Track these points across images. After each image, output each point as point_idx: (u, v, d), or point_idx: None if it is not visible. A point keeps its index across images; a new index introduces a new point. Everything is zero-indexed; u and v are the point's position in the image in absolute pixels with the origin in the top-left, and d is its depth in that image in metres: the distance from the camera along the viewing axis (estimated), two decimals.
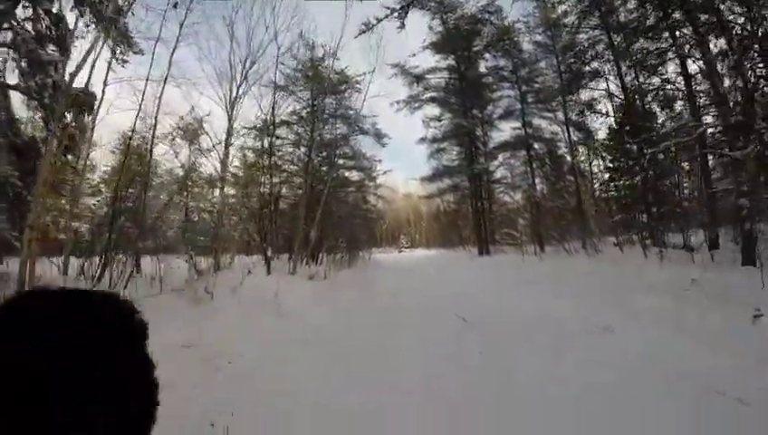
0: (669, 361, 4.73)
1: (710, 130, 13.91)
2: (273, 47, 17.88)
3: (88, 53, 10.21)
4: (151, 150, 14.37)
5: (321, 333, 7.05)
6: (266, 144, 20.13)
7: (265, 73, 17.76)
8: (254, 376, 4.95)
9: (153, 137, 13.98)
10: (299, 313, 8.33)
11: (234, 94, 15.64)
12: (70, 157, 11.56)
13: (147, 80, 13.05)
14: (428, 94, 29.17)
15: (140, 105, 12.99)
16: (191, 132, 17.41)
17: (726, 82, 13.39)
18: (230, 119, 15.30)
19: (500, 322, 7.52)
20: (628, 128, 19.73)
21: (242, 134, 18.47)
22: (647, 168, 16.93)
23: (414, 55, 28.31)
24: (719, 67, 13.79)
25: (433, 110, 29.79)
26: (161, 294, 8.13)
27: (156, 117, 13.46)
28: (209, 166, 18.84)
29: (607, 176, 22.04)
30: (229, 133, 15.26)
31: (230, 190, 18.21)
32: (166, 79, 13.34)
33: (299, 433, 3.68)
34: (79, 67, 9.52)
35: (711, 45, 13.36)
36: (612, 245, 17.53)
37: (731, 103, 12.75)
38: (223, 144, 15.28)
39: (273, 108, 19.28)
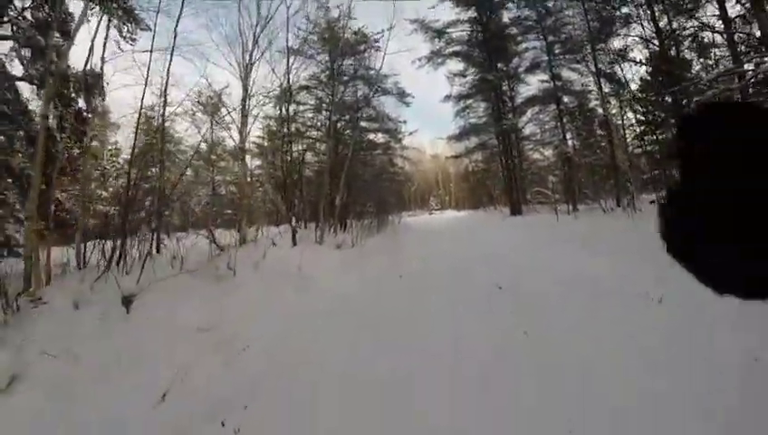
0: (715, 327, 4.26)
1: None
2: (283, 9, 17.23)
3: (94, 35, 9.95)
4: (163, 124, 14.00)
5: (348, 303, 6.86)
6: (285, 111, 20.03)
7: (275, 39, 17.31)
8: (276, 351, 4.79)
9: (165, 110, 13.46)
10: (325, 283, 8.15)
11: (247, 61, 15.19)
12: (87, 141, 11.22)
13: (150, 51, 12.44)
14: (451, 49, 28.07)
15: (147, 79, 12.42)
16: (211, 106, 17.24)
17: None
18: (245, 88, 15.01)
19: (533, 283, 7.24)
20: (661, 78, 19.11)
21: (260, 103, 18.21)
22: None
23: (433, 8, 27.15)
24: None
25: (457, 65, 28.81)
26: (180, 274, 7.90)
27: (165, 90, 12.88)
28: (231, 138, 18.64)
29: (640, 129, 21.80)
30: (245, 102, 14.95)
31: (255, 161, 18.06)
32: (173, 50, 12.75)
33: (325, 403, 3.55)
34: (88, 51, 9.36)
35: None
36: (649, 203, 16.88)
37: None
38: (239, 114, 15.04)
39: (288, 73, 19.00)
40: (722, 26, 14.99)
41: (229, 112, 15.02)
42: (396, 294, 7.47)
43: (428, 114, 56.20)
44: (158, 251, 10.89)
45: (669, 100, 19.08)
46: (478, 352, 4.30)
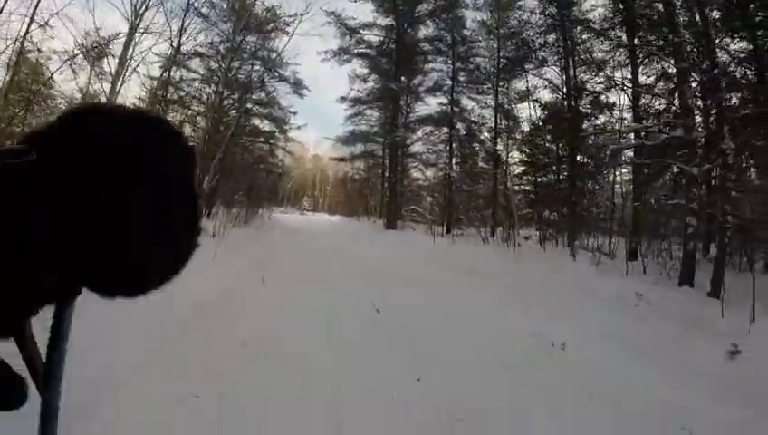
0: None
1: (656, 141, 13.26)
2: None
3: None
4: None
5: (201, 315, 5.34)
6: (167, 73, 17.89)
7: None
8: None
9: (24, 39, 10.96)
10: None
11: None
12: None
13: None
14: (360, 49, 27.01)
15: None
16: (95, 52, 14.76)
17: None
18: (131, 32, 12.80)
19: (416, 310, 6.45)
20: (551, 126, 19.97)
21: (144, 57, 15.95)
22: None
23: (356, 1, 25.82)
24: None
25: (362, 69, 27.73)
26: None
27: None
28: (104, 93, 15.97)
29: (522, 169, 22.58)
30: (127, 50, 12.72)
31: None
32: None
33: None
34: None
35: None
36: (524, 238, 17.07)
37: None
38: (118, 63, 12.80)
39: (181, 33, 16.94)
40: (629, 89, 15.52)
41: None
42: (260, 304, 6.18)
43: (319, 113, 55.08)
44: None
45: (554, 147, 20.17)
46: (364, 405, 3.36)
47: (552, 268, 10.35)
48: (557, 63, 19.56)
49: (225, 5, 19.30)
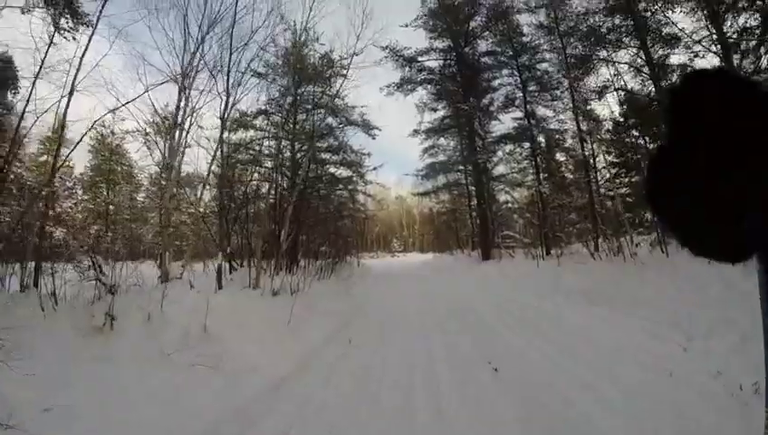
0: None
1: None
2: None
3: None
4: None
5: (278, 401, 4.39)
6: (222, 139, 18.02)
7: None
8: None
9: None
10: (240, 359, 5.39)
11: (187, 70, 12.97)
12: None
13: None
14: (423, 76, 25.95)
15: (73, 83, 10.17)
16: (165, 128, 15.10)
17: None
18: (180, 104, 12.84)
19: (546, 369, 4.99)
20: (634, 120, 18.19)
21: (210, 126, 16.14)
22: None
23: (406, 26, 24.90)
24: None
25: (429, 95, 26.65)
26: (45, 319, 5.45)
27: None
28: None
29: (613, 172, 20.21)
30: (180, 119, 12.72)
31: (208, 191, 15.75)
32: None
33: None
34: None
35: None
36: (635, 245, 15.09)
37: None
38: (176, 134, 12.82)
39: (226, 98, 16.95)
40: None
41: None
42: (348, 379, 5.07)
43: (393, 153, 54.91)
44: (35, 284, 8.01)
45: (642, 142, 18.22)
46: None
47: (691, 278, 8.41)
48: (631, 45, 17.73)
49: (280, 61, 19.19)
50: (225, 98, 12.87)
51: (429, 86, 26.34)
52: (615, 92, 18.94)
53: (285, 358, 5.49)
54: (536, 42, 23.07)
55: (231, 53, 13.37)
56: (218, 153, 13.56)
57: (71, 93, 10.43)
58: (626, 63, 18.02)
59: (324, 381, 4.91)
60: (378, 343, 6.64)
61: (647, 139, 18.18)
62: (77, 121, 12.18)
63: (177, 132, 12.16)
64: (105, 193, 28.71)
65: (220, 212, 13.05)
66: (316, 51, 19.74)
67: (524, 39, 23.51)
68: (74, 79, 10.44)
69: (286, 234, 13.07)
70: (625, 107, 19.04)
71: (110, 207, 28.54)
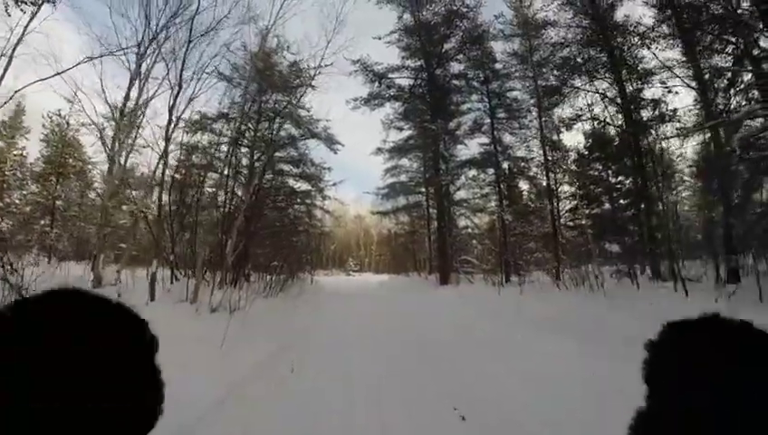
0: None
1: None
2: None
3: None
4: None
5: None
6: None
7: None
8: None
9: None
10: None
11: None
12: None
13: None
14: (392, 92, 25.29)
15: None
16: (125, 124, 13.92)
17: None
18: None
19: (518, 413, 4.18)
20: (597, 154, 18.83)
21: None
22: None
23: (380, 38, 24.33)
24: None
25: (396, 113, 26.06)
26: None
27: None
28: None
29: (573, 203, 20.70)
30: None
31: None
32: None
33: None
34: None
35: None
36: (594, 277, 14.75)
37: None
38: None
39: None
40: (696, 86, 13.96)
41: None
42: (278, 421, 4.15)
43: (355, 171, 54.22)
44: None
45: (604, 175, 18.97)
46: None
47: (665, 308, 7.94)
48: (606, 76, 17.77)
49: (247, 67, 18.32)
50: (176, 89, 11.83)
51: (398, 103, 25.85)
52: (585, 122, 18.98)
53: (211, 388, 4.55)
54: (508, 70, 23.12)
55: (189, 41, 12.37)
56: (165, 150, 12.34)
57: (8, 63, 9.31)
58: (599, 94, 17.95)
59: (247, 423, 4.00)
60: (319, 374, 5.68)
61: (609, 172, 18.46)
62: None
63: (123, 123, 11.02)
64: (55, 187, 27.30)
65: (159, 215, 11.85)
66: (285, 58, 19.24)
67: (497, 66, 23.57)
68: (13, 50, 9.32)
69: (233, 245, 11.97)
70: (590, 141, 19.24)
71: (58, 202, 27.06)
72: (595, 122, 18.80)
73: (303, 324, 9.47)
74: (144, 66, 11.87)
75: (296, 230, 21.97)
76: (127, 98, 11.14)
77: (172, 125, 12.27)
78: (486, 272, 22.07)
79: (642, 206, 16.57)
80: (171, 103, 11.67)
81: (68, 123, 25.76)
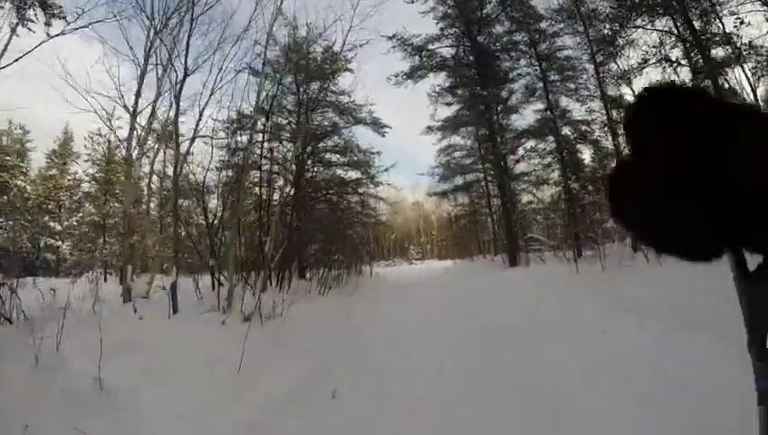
0: None
1: None
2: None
3: None
4: None
5: None
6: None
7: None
8: None
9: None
10: None
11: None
12: None
13: None
14: (436, 60, 23.33)
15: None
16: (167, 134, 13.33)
17: None
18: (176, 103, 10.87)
19: None
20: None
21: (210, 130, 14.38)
22: None
23: (412, 2, 22.24)
24: None
25: (442, 84, 24.32)
26: None
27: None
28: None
29: None
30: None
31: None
32: None
33: None
34: None
35: None
36: None
37: None
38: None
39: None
40: None
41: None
42: None
43: (406, 157, 52.90)
44: None
45: None
46: None
47: None
48: (668, 13, 15.69)
49: (282, 60, 17.44)
50: (181, 74, 10.79)
51: (443, 74, 24.02)
52: (651, 69, 16.93)
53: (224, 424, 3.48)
54: (555, 28, 21.07)
55: (192, 20, 11.27)
56: (176, 141, 11.13)
57: None
58: (665, 32, 15.95)
59: None
60: (366, 394, 4.41)
61: None
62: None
63: (132, 122, 10.16)
64: (103, 205, 27.89)
65: (176, 217, 10.84)
66: (319, 44, 18.08)
67: (542, 26, 21.49)
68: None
69: (273, 243, 10.96)
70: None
71: (113, 220, 27.53)
72: (666, 65, 16.64)
73: (357, 324, 8.29)
74: (154, 60, 10.93)
75: (350, 222, 21.00)
76: (138, 95, 10.28)
77: (175, 113, 11.15)
78: (555, 248, 20.55)
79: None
80: (177, 90, 10.61)
81: (109, 141, 26.37)
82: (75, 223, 28.91)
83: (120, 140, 10.48)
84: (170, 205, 10.12)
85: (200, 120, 11.46)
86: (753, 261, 0.57)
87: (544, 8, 20.96)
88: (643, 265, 11.20)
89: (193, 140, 10.98)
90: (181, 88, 10.57)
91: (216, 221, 11.69)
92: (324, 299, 11.80)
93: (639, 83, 18.12)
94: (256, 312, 7.13)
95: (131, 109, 10.09)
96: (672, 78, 16.44)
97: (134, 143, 10.01)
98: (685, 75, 15.89)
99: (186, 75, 10.66)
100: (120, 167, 24.36)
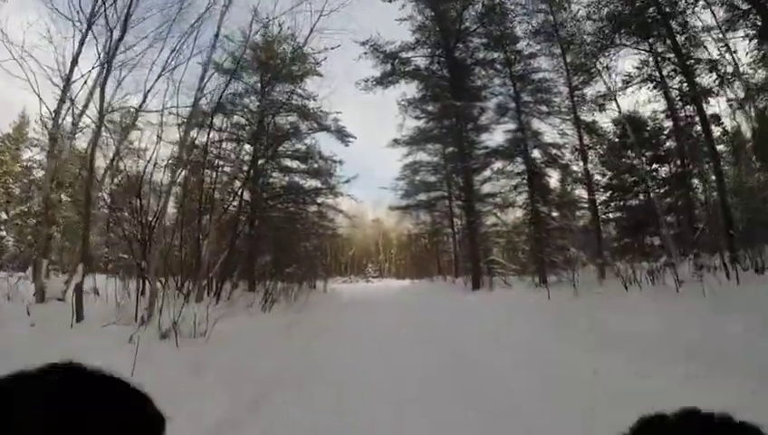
0: None
1: None
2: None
3: None
4: None
5: None
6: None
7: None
8: None
9: None
10: None
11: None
12: None
13: None
14: (409, 68, 22.22)
15: None
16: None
17: None
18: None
19: None
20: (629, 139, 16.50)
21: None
22: None
23: (390, 1, 21.18)
24: None
25: (413, 93, 23.23)
26: None
27: None
28: None
29: (607, 195, 19.11)
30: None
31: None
32: None
33: None
34: None
35: None
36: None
37: None
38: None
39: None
40: None
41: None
42: None
43: (368, 173, 51.52)
44: None
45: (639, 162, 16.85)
46: None
47: None
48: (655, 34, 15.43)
49: (248, 57, 16.32)
50: (114, 33, 9.27)
51: (414, 83, 23.00)
52: (641, 85, 16.59)
53: None
54: (532, 49, 20.55)
55: None
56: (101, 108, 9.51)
57: None
58: (651, 53, 15.66)
59: None
60: None
61: (644, 159, 16.60)
62: None
63: (63, 95, 8.63)
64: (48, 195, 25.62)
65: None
66: (289, 44, 17.08)
67: (519, 46, 20.98)
68: None
69: (209, 248, 9.55)
70: (624, 125, 16.93)
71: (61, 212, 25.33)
72: (650, 85, 16.29)
73: (297, 351, 6.86)
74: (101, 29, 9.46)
75: (306, 232, 19.70)
76: (74, 63, 8.79)
77: (104, 77, 9.53)
78: (517, 272, 20.33)
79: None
80: (109, 50, 9.02)
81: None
82: (20, 213, 26.65)
83: (51, 113, 8.67)
84: (84, 188, 8.50)
85: (144, 102, 10.16)
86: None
87: (523, 30, 20.48)
88: (617, 291, 10.26)
89: (134, 122, 9.56)
90: (116, 49, 9.07)
91: (154, 218, 10.22)
92: (266, 316, 10.27)
93: (622, 103, 17.86)
94: (174, 328, 5.74)
95: (64, 77, 8.57)
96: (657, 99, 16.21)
97: (64, 117, 8.44)
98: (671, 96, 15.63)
99: (123, 36, 9.12)
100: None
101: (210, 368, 4.94)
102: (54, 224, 8.15)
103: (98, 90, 8.95)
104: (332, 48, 17.02)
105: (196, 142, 15.92)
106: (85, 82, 9.23)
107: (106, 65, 8.99)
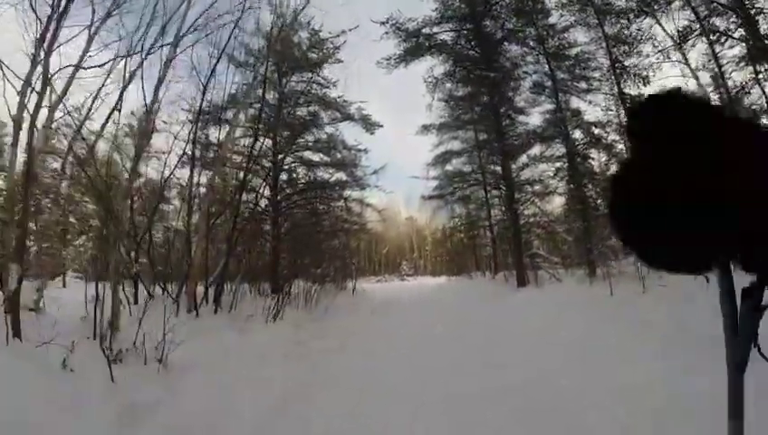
0: None
1: None
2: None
3: None
4: None
5: None
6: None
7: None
8: None
9: None
10: None
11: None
12: None
13: None
14: (434, 41, 20.00)
15: None
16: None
17: None
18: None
19: None
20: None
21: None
22: None
23: None
24: None
25: (438, 69, 21.06)
26: None
27: None
28: None
29: None
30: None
31: None
32: None
33: None
34: None
35: None
36: None
37: None
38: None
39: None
40: None
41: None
42: None
43: (395, 164, 49.41)
44: None
45: None
46: None
47: None
48: None
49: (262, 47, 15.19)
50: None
51: (441, 56, 20.86)
52: (701, 38, 14.64)
53: None
54: (566, 22, 18.72)
55: None
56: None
57: None
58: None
59: None
60: None
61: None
62: None
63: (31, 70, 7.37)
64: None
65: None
66: (305, 30, 16.54)
67: (551, 20, 19.19)
68: None
69: (202, 249, 8.19)
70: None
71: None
72: (711, 36, 14.35)
73: (329, 355, 5.29)
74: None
75: (332, 229, 18.43)
76: (42, 39, 7.57)
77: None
78: (564, 266, 18.89)
79: None
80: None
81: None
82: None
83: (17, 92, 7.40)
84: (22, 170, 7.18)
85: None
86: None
87: (555, 1, 18.61)
88: (683, 285, 8.31)
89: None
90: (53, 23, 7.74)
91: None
92: (266, 329, 8.37)
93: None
94: (131, 350, 4.36)
95: (33, 49, 7.33)
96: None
97: (30, 97, 7.17)
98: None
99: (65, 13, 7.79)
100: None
101: (144, 419, 3.40)
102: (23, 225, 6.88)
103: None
104: (350, 30, 15.92)
105: (211, 138, 15.03)
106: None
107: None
